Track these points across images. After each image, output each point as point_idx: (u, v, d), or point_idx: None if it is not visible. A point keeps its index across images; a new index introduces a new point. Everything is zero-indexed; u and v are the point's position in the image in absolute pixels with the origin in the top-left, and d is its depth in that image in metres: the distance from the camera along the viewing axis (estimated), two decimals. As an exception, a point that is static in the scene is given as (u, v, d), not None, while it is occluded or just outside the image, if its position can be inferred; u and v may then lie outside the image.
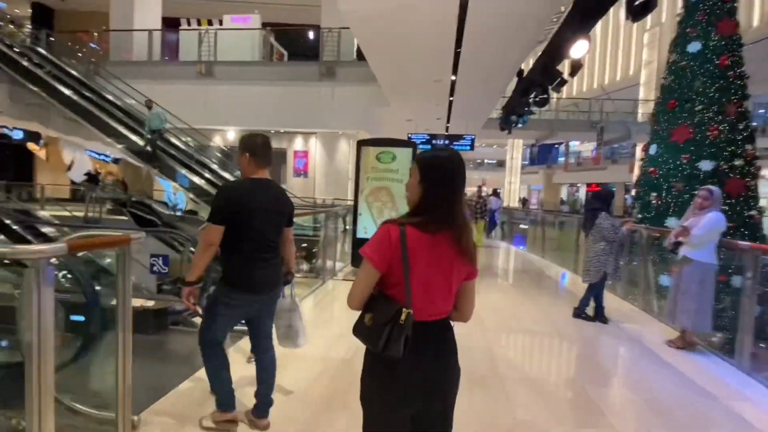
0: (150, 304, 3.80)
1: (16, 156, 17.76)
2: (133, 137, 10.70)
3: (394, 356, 1.24)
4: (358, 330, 1.33)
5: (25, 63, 11.08)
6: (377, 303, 1.30)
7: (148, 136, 10.46)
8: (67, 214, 11.18)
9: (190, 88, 12.16)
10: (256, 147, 2.18)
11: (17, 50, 11.42)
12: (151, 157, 10.61)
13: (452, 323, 1.41)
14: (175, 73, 12.53)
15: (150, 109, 10.45)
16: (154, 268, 3.62)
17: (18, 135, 16.44)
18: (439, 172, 1.31)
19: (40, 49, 12.10)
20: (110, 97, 11.55)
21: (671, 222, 5.47)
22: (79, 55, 13.51)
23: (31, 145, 16.52)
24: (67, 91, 10.91)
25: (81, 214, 11.33)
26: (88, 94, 11.25)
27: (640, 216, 6.16)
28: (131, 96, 11.36)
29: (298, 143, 14.66)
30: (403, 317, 1.23)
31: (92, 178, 14.55)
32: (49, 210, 11.48)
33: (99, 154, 15.83)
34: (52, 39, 13.68)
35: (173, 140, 11.26)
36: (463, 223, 1.31)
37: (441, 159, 1.33)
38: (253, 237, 2.13)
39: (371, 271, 1.28)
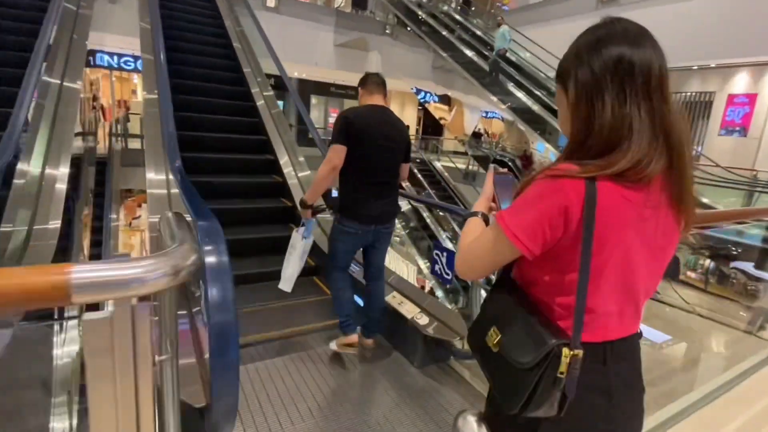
0: (422, 322, 2.27)
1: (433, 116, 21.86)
2: (519, 94, 10.05)
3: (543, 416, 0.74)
4: (480, 352, 0.81)
5: (444, 32, 12.41)
6: (509, 312, 0.79)
7: (494, 58, 9.79)
8: (451, 165, 12.34)
9: (585, 24, 10.08)
10: (364, 79, 2.27)
11: (438, 19, 12.98)
12: (494, 82, 10.00)
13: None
14: (571, 8, 10.77)
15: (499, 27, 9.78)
16: (436, 268, 2.25)
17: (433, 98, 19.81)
18: (616, 65, 0.70)
19: (455, 15, 13.33)
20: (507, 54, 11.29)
21: None
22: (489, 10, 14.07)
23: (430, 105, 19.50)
24: (469, 53, 11.42)
25: (464, 166, 12.27)
26: (486, 52, 11.45)
27: None
28: (528, 49, 10.64)
29: (737, 82, 9.53)
30: (563, 364, 0.69)
31: (476, 135, 15.58)
32: (442, 161, 13.04)
33: (487, 113, 16.73)
34: (473, 8, 14.88)
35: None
36: (685, 155, 0.72)
37: (608, 38, 0.72)
38: (365, 167, 2.09)
39: (508, 250, 0.76)
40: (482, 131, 16.69)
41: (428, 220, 10.81)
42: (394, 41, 12.48)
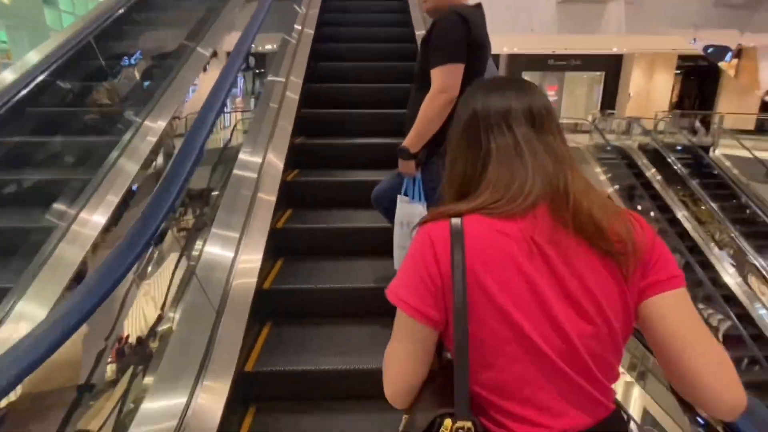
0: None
1: (700, 79, 15.78)
2: None
3: None
4: None
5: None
6: (422, 393, 0.69)
7: None
8: (745, 155, 7.95)
9: None
10: None
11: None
12: None
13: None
14: None
15: None
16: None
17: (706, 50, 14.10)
18: (472, 114, 0.71)
19: None
20: None
21: None
22: None
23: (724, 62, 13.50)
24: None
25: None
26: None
27: None
28: None
29: None
30: None
31: None
32: (724, 148, 8.69)
33: None
34: None
35: None
36: (577, 183, 0.65)
37: (473, 92, 0.74)
38: None
39: (414, 328, 0.66)
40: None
41: (687, 225, 7.17)
42: (650, -21, 8.85)
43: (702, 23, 9.23)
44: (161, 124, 2.40)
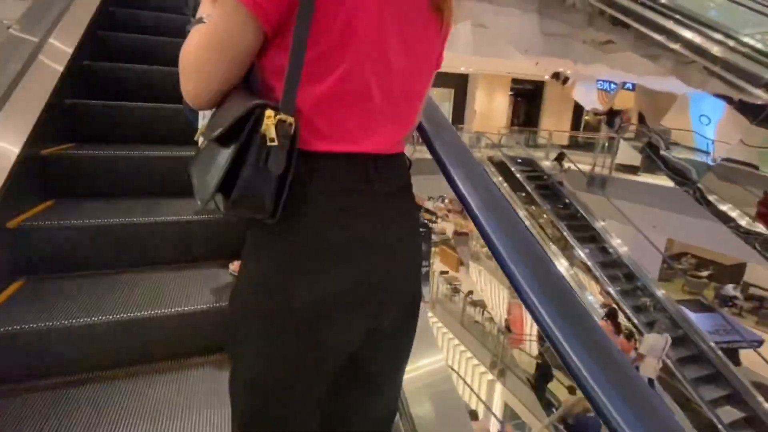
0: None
1: (527, 100, 18.47)
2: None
3: (259, 215, 0.59)
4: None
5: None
6: (231, 96, 0.62)
7: None
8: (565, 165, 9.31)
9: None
10: None
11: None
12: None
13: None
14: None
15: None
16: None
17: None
18: None
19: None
20: None
21: None
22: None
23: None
24: None
25: (587, 167, 9.18)
26: None
27: None
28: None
29: None
30: (266, 127, 0.55)
31: (612, 113, 11.67)
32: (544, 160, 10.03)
33: (610, 84, 12.68)
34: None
35: None
36: None
37: None
38: None
39: (242, 25, 0.58)
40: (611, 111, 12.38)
41: (526, 222, 7.93)
42: (492, 5, 9.72)
43: (534, 50, 10.54)
44: None
